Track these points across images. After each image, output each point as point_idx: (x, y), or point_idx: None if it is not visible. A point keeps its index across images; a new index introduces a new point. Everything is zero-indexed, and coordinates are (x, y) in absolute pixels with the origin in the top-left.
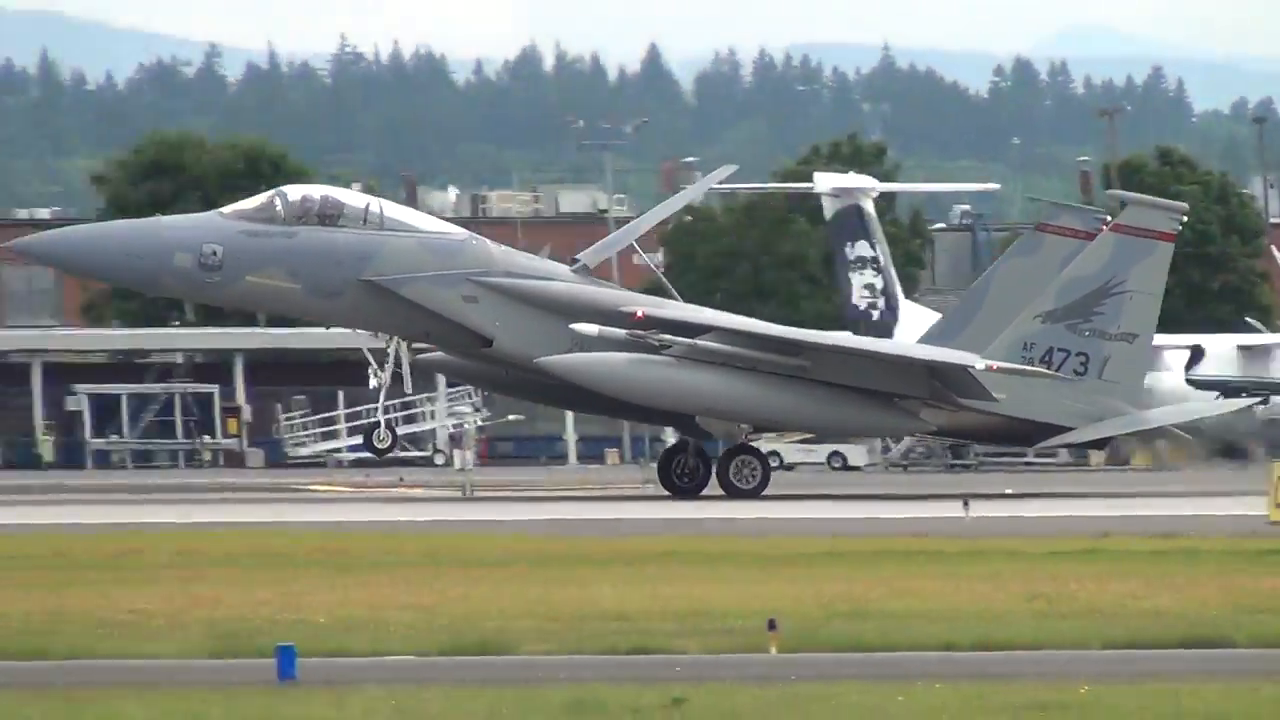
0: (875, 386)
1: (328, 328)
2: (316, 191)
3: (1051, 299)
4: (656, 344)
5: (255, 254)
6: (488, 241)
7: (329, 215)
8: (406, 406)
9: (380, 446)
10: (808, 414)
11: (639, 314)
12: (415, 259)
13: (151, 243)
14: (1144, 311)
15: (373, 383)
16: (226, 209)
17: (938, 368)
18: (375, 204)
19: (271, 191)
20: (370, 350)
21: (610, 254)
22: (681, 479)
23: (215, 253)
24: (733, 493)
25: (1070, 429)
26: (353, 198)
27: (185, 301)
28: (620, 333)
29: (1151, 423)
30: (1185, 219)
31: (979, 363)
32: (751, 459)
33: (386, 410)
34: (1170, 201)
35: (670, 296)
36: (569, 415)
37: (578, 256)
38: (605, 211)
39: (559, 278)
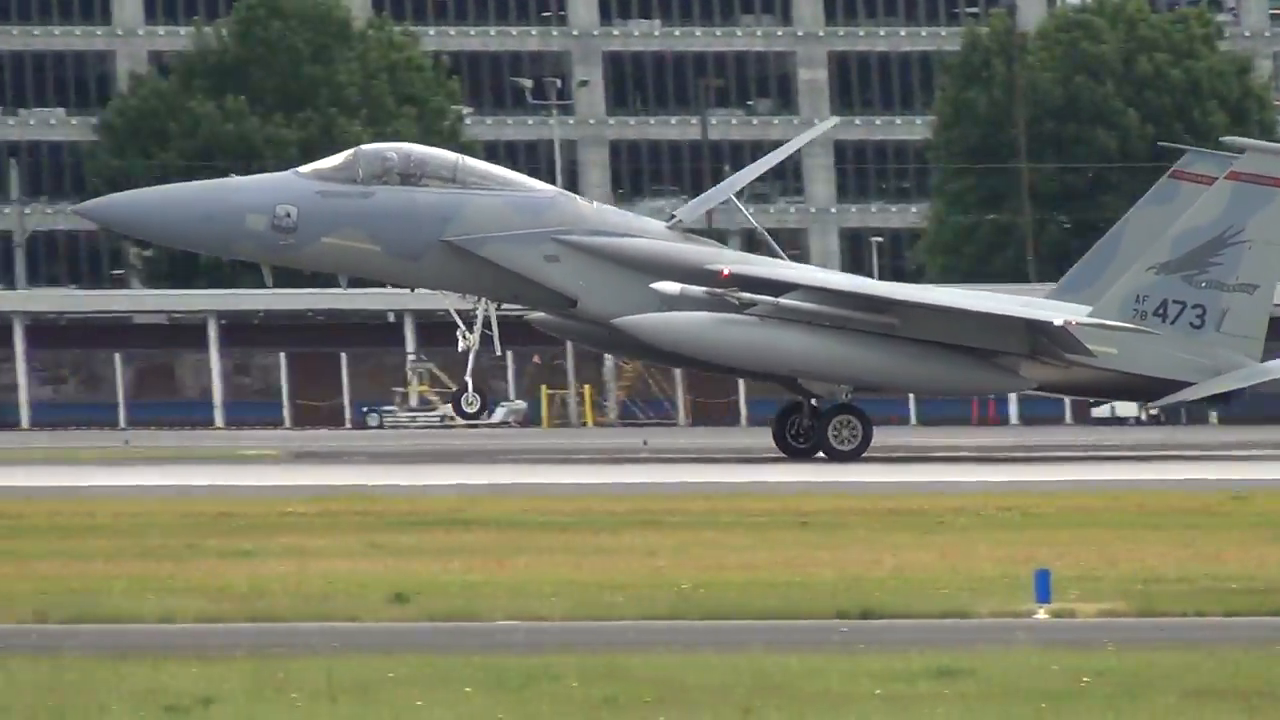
0: (970, 343)
1: (413, 290)
2: (397, 149)
3: (1166, 250)
4: (736, 303)
5: (331, 215)
6: (577, 199)
7: (411, 174)
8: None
9: (470, 410)
10: (898, 373)
11: (725, 272)
12: (499, 217)
13: (223, 205)
14: (1265, 261)
15: (461, 345)
16: (304, 168)
17: (1035, 324)
18: (460, 161)
19: (351, 150)
20: (457, 311)
21: (706, 209)
22: (797, 439)
23: (290, 214)
24: (832, 454)
25: (1188, 384)
26: (436, 155)
27: (261, 264)
28: (701, 290)
29: (1274, 374)
30: None
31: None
32: (852, 419)
33: (474, 374)
34: None
35: (773, 253)
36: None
37: (674, 213)
38: None
39: (651, 235)
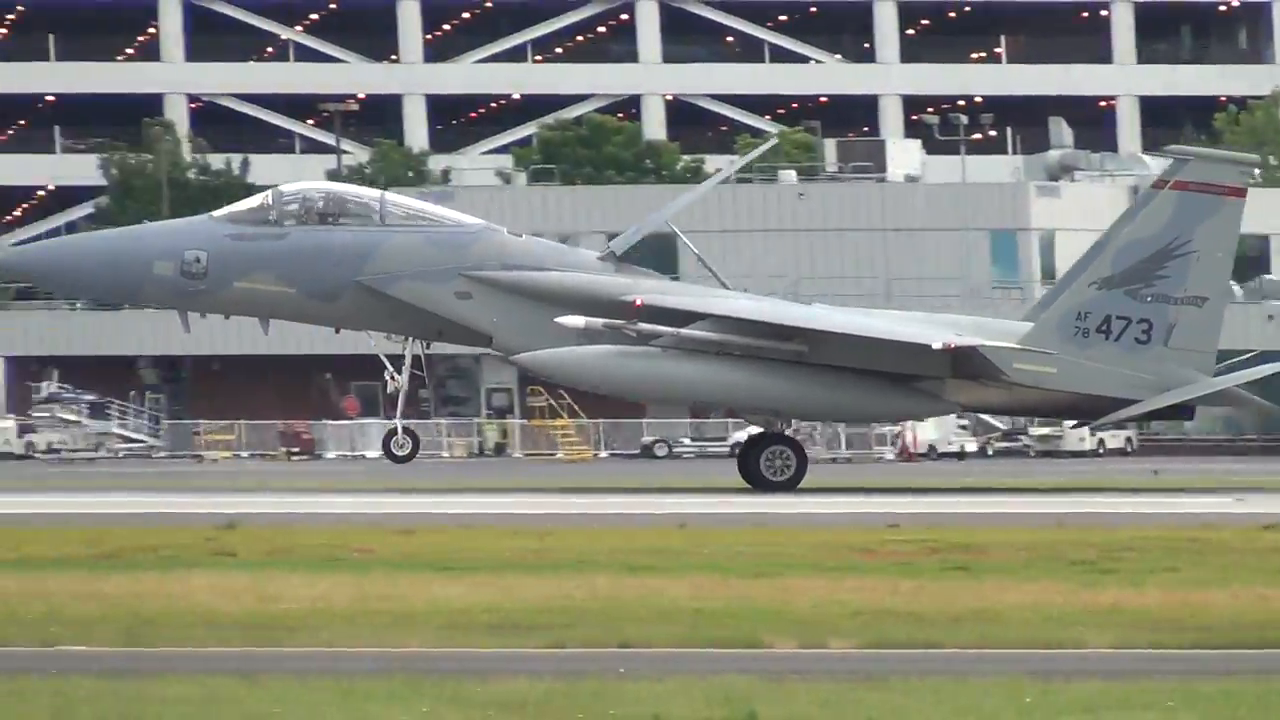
0: (886, 368)
1: (337, 331)
2: (317, 188)
3: (1108, 264)
4: (634, 335)
5: (242, 259)
6: (503, 231)
7: (329, 213)
8: None
9: (400, 454)
10: (809, 400)
11: (638, 302)
12: (415, 255)
13: (131, 252)
14: (1214, 272)
15: (390, 387)
16: (219, 212)
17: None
18: (383, 198)
19: (267, 191)
20: (385, 355)
21: (638, 239)
22: (772, 474)
23: (199, 259)
24: (762, 485)
25: (1135, 400)
26: (356, 193)
27: (175, 311)
28: (601, 324)
29: (1219, 386)
30: (1257, 172)
31: (935, 342)
32: (785, 449)
33: (404, 415)
34: (1238, 154)
35: (716, 281)
36: None
37: (610, 244)
38: None
39: (577, 267)
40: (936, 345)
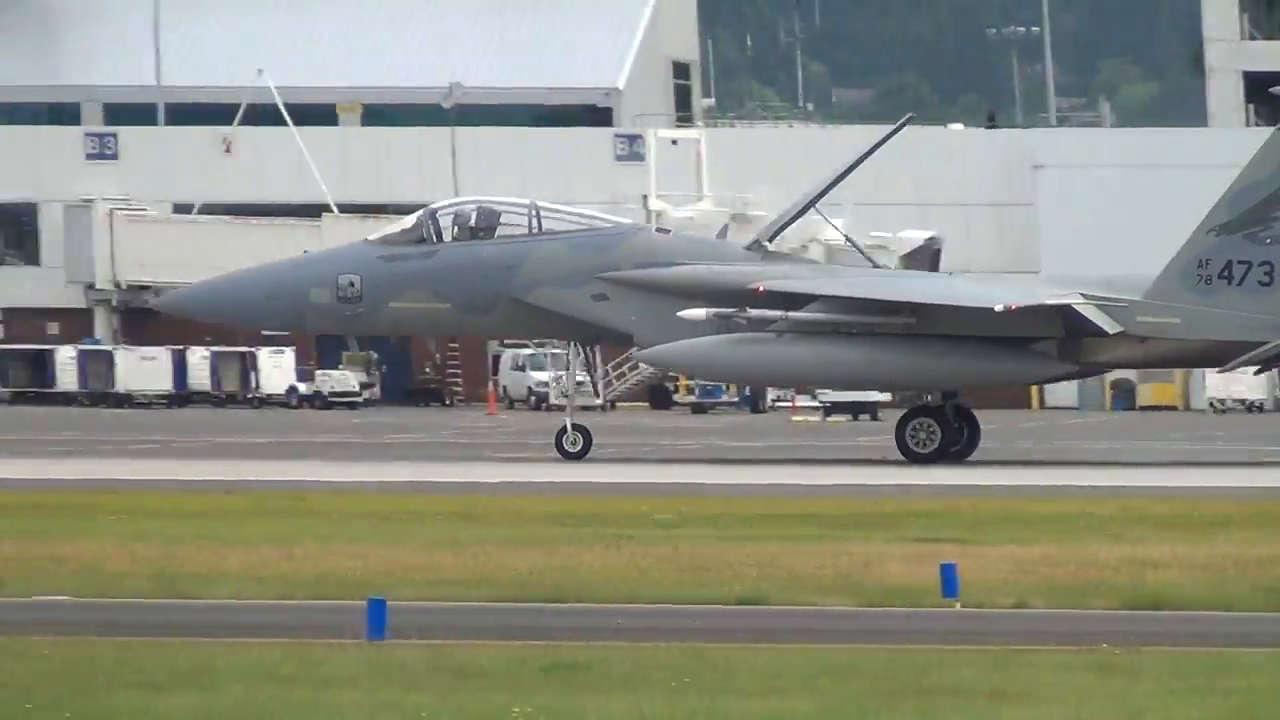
0: (996, 333)
1: (501, 342)
2: (467, 204)
3: (1225, 210)
4: (744, 322)
5: (395, 279)
6: (651, 229)
7: (480, 227)
8: None
9: (572, 450)
10: (920, 371)
11: (760, 289)
12: (560, 261)
13: (289, 282)
14: None
15: (560, 385)
16: (374, 235)
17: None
18: (532, 207)
19: (422, 209)
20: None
21: (784, 224)
22: (950, 445)
23: (353, 284)
24: (911, 457)
25: (1263, 343)
26: (507, 205)
27: (340, 334)
28: (708, 313)
29: None
30: None
31: (997, 304)
32: (930, 421)
33: (571, 414)
34: None
35: (865, 263)
36: None
37: (757, 233)
38: None
39: (720, 259)
40: (998, 308)
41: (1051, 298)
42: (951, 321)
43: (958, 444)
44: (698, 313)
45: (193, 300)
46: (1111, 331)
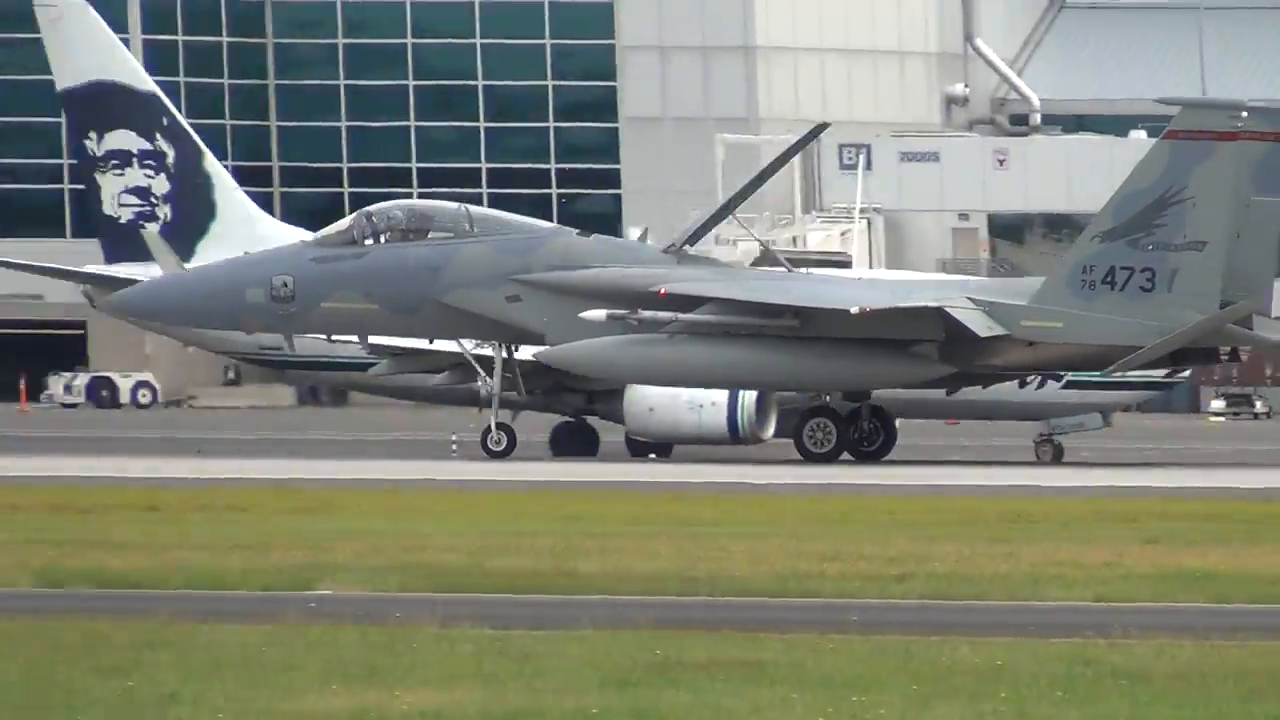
0: (879, 335)
1: (430, 341)
2: (401, 206)
3: (1109, 217)
4: (635, 323)
5: (326, 280)
6: (572, 233)
7: (411, 229)
8: None
9: (497, 449)
10: (804, 373)
11: (662, 291)
12: (483, 264)
13: (225, 282)
14: (1211, 218)
15: (483, 390)
16: (310, 236)
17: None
18: (460, 210)
19: (357, 212)
20: (474, 356)
21: (705, 232)
22: (861, 443)
23: (286, 284)
24: (808, 456)
25: (1140, 347)
26: (439, 208)
27: (274, 334)
28: (604, 314)
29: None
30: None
31: (853, 307)
32: (826, 421)
33: (498, 413)
34: (1226, 100)
35: (786, 267)
36: None
37: (674, 239)
38: None
39: (636, 263)
40: (854, 310)
41: (918, 300)
42: (831, 324)
43: (873, 444)
44: (596, 314)
45: (135, 300)
46: (982, 335)
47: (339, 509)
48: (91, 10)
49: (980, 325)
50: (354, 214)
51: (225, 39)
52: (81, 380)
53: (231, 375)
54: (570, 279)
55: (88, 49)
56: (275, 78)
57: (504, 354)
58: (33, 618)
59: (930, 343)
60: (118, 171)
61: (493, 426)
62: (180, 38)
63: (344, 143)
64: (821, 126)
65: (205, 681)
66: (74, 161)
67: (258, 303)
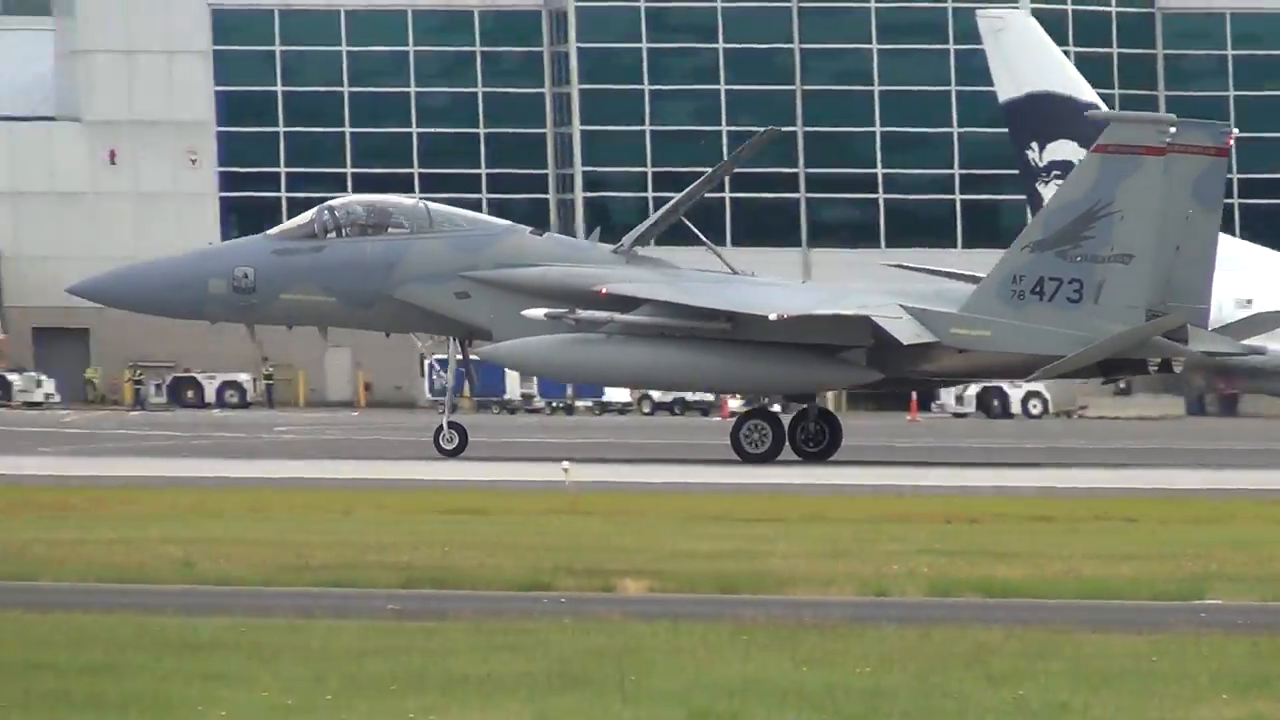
0: (808, 340)
1: (388, 335)
2: (360, 201)
3: (1040, 228)
4: (573, 322)
5: (285, 272)
6: (525, 231)
7: (370, 224)
8: None
9: (447, 447)
10: (735, 375)
11: (603, 291)
12: (436, 260)
13: (189, 273)
14: (1138, 230)
15: (436, 384)
16: (273, 229)
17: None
18: (418, 206)
19: (317, 207)
20: (427, 349)
21: (655, 233)
22: (807, 444)
23: (247, 275)
24: (744, 456)
25: (1062, 357)
26: (397, 203)
27: (238, 323)
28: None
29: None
30: (1174, 130)
31: (771, 314)
32: (762, 423)
33: (453, 409)
34: (1155, 115)
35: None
36: None
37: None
38: None
39: (584, 262)
40: (772, 316)
41: (838, 308)
42: (759, 328)
43: (818, 446)
44: (535, 312)
45: (103, 287)
46: (906, 342)
47: (1230, 519)
48: (1034, 22)
49: (906, 333)
50: (315, 208)
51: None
52: (972, 390)
53: (1122, 385)
54: (516, 276)
55: (1029, 60)
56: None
57: (459, 351)
58: (920, 626)
59: (859, 349)
60: (1060, 182)
61: (444, 425)
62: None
63: None
64: (774, 131)
65: (1095, 692)
66: (1014, 172)
67: (220, 293)
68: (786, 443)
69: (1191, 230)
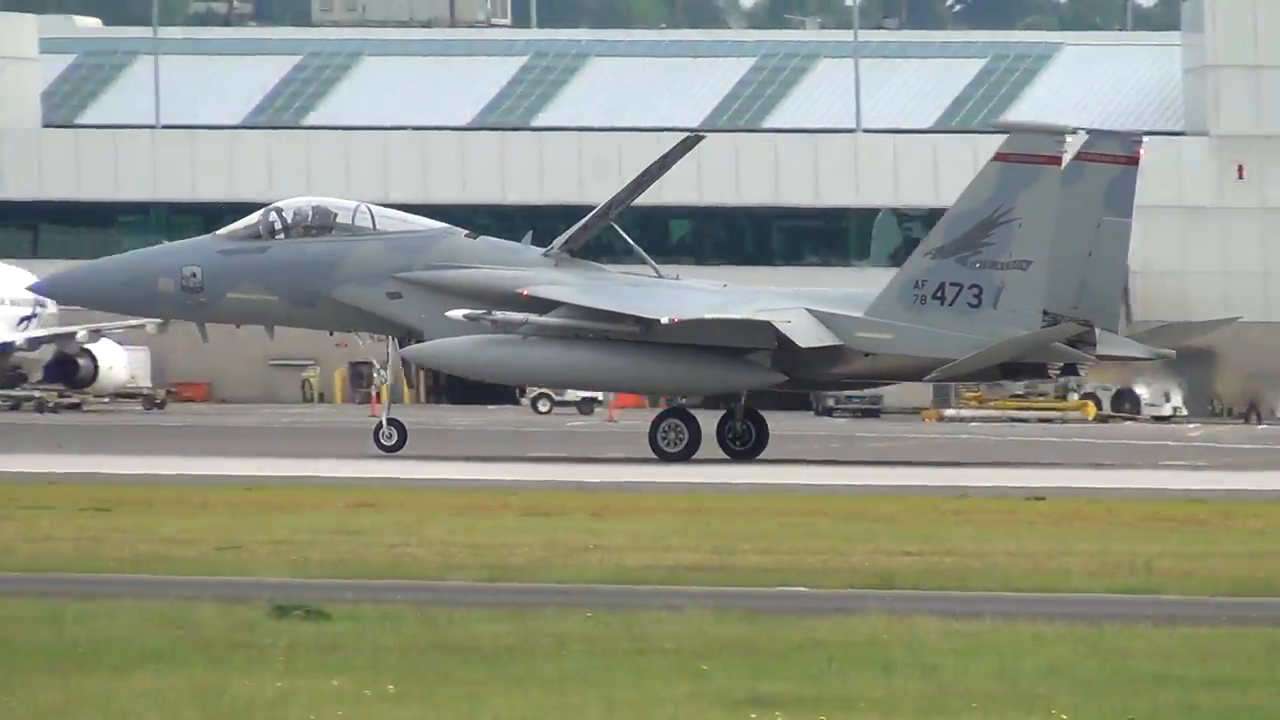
0: (714, 343)
1: (331, 333)
2: (306, 203)
3: (941, 235)
4: (490, 324)
5: (231, 272)
6: (459, 233)
7: (313, 226)
8: None
9: (387, 444)
10: (644, 376)
11: (524, 293)
12: (373, 261)
13: (140, 271)
14: (1036, 238)
15: (376, 380)
16: (221, 230)
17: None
18: (359, 209)
19: (265, 208)
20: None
21: (585, 235)
22: (734, 443)
23: (195, 274)
24: (661, 455)
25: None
26: (339, 205)
27: (186, 321)
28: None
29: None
30: (1070, 139)
31: (664, 317)
32: (678, 422)
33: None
34: (1053, 125)
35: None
36: None
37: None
38: None
39: (514, 265)
40: (664, 320)
41: (738, 312)
42: (665, 331)
43: (745, 444)
44: (456, 313)
45: (60, 284)
46: (804, 345)
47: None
48: None
49: (805, 336)
50: (263, 209)
51: None
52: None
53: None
54: (444, 278)
55: None
56: None
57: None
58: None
59: (763, 351)
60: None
61: (384, 422)
62: None
63: None
64: (695, 138)
65: None
66: None
67: (169, 292)
68: (704, 442)
69: (1103, 237)
